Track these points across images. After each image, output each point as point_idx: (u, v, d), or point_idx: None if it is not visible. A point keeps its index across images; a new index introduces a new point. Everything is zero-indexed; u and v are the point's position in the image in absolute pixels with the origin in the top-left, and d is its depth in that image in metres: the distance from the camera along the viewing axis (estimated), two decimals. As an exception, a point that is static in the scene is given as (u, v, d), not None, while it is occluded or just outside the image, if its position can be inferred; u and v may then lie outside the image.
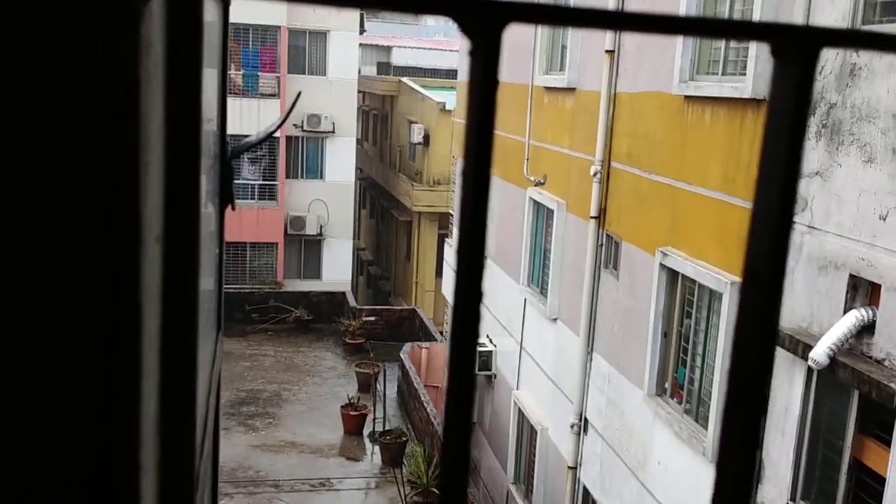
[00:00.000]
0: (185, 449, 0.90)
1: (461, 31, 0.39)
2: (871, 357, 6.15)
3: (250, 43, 25.88)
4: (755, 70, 7.48)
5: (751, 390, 0.46)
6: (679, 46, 8.76)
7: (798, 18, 6.87)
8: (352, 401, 18.27)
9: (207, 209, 1.56)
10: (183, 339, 0.83)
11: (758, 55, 7.46)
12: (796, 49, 0.44)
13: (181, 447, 0.86)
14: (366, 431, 18.02)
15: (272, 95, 25.78)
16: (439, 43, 41.18)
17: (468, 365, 0.42)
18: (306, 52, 26.75)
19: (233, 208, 1.87)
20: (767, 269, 0.45)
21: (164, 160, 0.73)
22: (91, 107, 0.48)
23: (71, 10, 0.46)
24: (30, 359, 0.52)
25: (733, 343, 0.48)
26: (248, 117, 25.15)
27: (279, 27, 25.80)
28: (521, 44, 13.62)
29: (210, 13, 1.47)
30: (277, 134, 25.67)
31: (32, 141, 0.48)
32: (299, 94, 3.58)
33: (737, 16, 8.17)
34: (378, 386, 18.80)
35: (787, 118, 0.44)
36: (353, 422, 17.97)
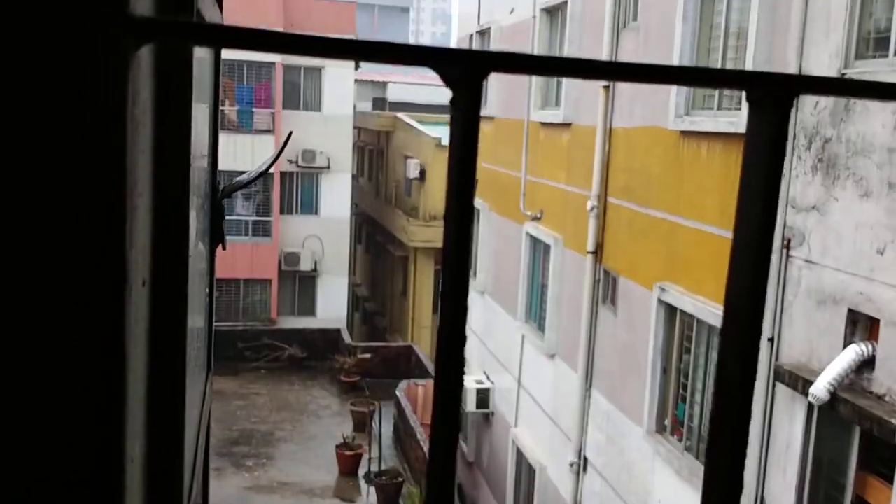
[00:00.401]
0: (174, 491, 0.87)
1: (443, 81, 0.41)
2: (871, 392, 6.08)
3: (245, 79, 26.04)
4: (750, 105, 7.49)
5: (735, 424, 0.47)
6: (673, 82, 8.79)
7: (791, 54, 6.90)
8: (347, 440, 18.06)
9: (198, 248, 1.52)
10: (171, 382, 0.81)
11: (752, 90, 7.49)
12: (771, 97, 0.44)
13: (169, 489, 0.84)
14: (361, 472, 17.79)
15: (267, 131, 25.87)
16: (435, 79, 41.42)
17: (454, 403, 0.43)
18: (301, 88, 26.91)
19: (223, 248, 1.83)
20: (747, 305, 0.46)
21: (153, 204, 0.72)
22: (78, 153, 0.49)
23: (60, 58, 0.48)
24: (13, 397, 0.53)
25: (716, 379, 0.48)
26: (243, 153, 25.21)
27: (274, 63, 25.98)
28: (516, 80, 13.70)
29: (201, 50, 1.44)
30: (272, 170, 25.72)
31: (19, 184, 0.49)
32: (290, 134, 3.59)
33: (731, 52, 8.22)
34: (374, 425, 18.61)
35: (762, 165, 0.45)
36: (348, 462, 17.74)
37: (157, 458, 0.75)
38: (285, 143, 2.94)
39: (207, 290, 1.76)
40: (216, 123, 1.83)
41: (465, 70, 0.39)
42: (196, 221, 1.48)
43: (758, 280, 0.45)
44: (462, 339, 0.42)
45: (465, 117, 0.39)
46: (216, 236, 1.80)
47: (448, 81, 0.40)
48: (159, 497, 0.78)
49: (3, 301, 0.50)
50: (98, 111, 0.48)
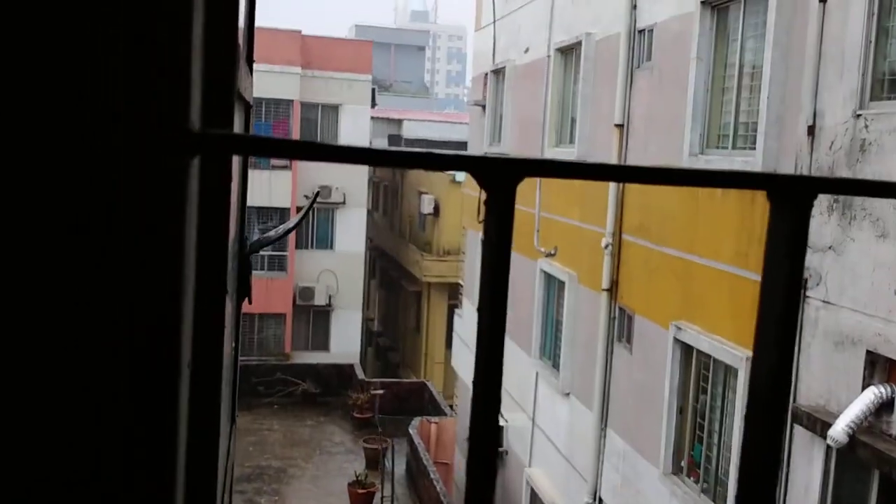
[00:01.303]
0: None
1: (479, 184, 0.43)
2: (890, 435, 6.00)
3: (263, 116, 26.33)
4: (765, 144, 7.51)
5: (763, 480, 0.50)
6: (689, 120, 8.83)
7: (806, 95, 6.91)
8: (359, 478, 17.93)
9: (227, 307, 1.54)
10: (205, 464, 0.84)
11: (767, 131, 7.50)
12: (791, 198, 0.46)
13: None
14: (374, 509, 17.63)
15: (284, 167, 26.09)
16: (449, 116, 41.84)
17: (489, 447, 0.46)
18: (318, 125, 27.17)
19: (249, 302, 1.85)
20: (770, 397, 0.47)
21: (196, 288, 0.75)
22: (141, 254, 0.54)
23: (132, 172, 0.53)
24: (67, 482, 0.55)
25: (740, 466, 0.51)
26: (260, 189, 25.40)
27: (292, 101, 26.27)
28: (531, 117, 13.79)
29: (238, 118, 1.47)
30: (288, 205, 25.89)
31: (91, 270, 0.53)
32: (318, 193, 3.65)
33: (745, 91, 8.25)
34: (386, 462, 18.47)
35: (784, 259, 0.46)
36: (361, 500, 17.59)
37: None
38: (313, 200, 2.98)
39: (234, 344, 1.77)
40: (245, 187, 1.86)
41: (500, 175, 0.42)
42: (227, 283, 1.51)
43: (780, 381, 0.46)
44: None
45: (499, 220, 0.41)
46: (243, 291, 1.82)
47: (483, 185, 0.42)
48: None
49: (64, 383, 0.53)
50: (161, 215, 0.53)
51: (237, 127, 1.40)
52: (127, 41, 0.51)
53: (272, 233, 2.65)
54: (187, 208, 0.54)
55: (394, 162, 0.39)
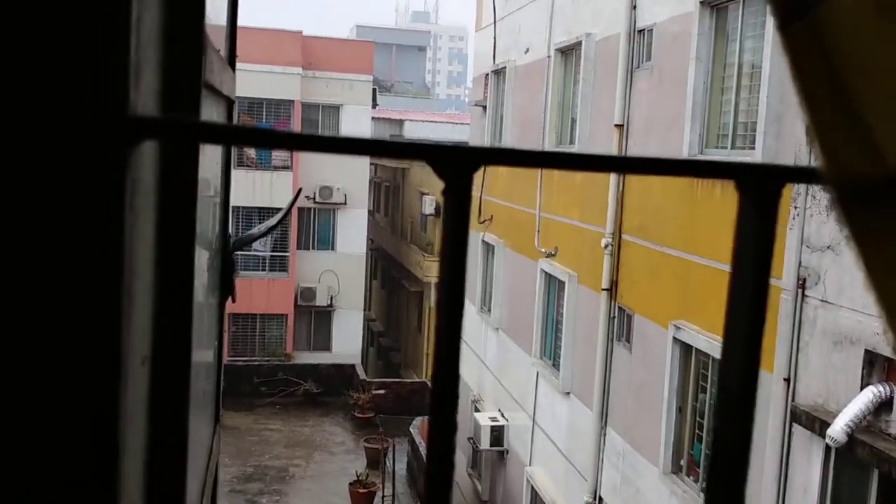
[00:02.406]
0: None
1: (437, 174, 0.43)
2: (889, 434, 6.01)
3: (264, 116, 26.35)
4: (764, 143, 7.52)
5: (736, 446, 0.48)
6: (688, 120, 8.84)
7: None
8: (360, 477, 17.94)
9: (209, 302, 1.55)
10: (171, 467, 0.83)
11: (766, 129, 7.51)
12: (759, 187, 0.46)
13: None
14: (375, 509, 17.64)
15: (285, 168, 26.12)
16: (451, 116, 41.85)
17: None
18: (319, 126, 27.17)
19: (233, 300, 1.86)
20: (739, 397, 0.46)
21: (155, 281, 0.75)
22: (76, 246, 0.52)
23: (58, 151, 0.50)
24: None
25: (710, 462, 0.49)
26: (261, 189, 25.43)
27: (293, 101, 26.29)
28: (531, 117, 13.80)
29: (212, 112, 1.48)
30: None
31: (13, 266, 0.52)
32: (300, 191, 3.66)
33: (744, 91, 8.26)
34: (387, 462, 18.48)
35: (752, 250, 0.46)
36: (362, 499, 17.61)
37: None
38: (295, 197, 2.99)
39: (216, 343, 1.79)
40: (228, 182, 1.87)
41: (457, 164, 0.42)
42: (207, 278, 1.51)
43: (750, 367, 0.46)
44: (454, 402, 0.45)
45: (456, 209, 0.42)
46: (226, 290, 1.83)
47: (441, 174, 0.42)
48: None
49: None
50: (95, 207, 0.51)
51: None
52: (54, 20, 0.50)
53: (255, 230, 2.66)
54: (127, 197, 0.52)
55: (342, 149, 0.40)
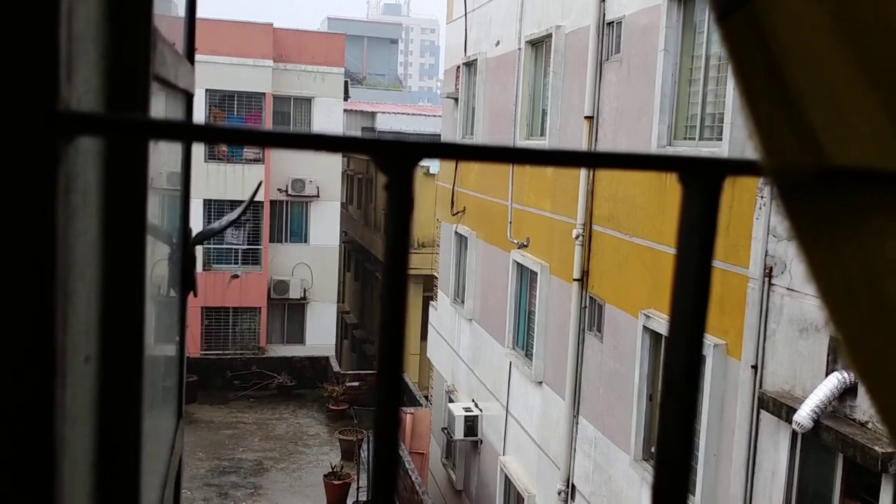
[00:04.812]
0: None
1: (378, 167, 0.43)
2: (854, 420, 6.14)
3: (235, 109, 26.15)
4: (731, 135, 7.62)
5: (681, 423, 0.48)
6: (657, 112, 8.93)
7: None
8: (335, 469, 17.95)
9: (169, 296, 1.56)
10: (124, 465, 0.82)
11: (733, 121, 7.61)
12: (701, 179, 0.47)
13: None
14: (349, 501, 17.66)
15: (256, 160, 25.95)
16: (423, 109, 41.78)
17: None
18: (291, 118, 27.03)
19: (195, 295, 1.87)
20: (682, 378, 0.48)
21: (101, 278, 0.74)
22: (4, 246, 0.50)
23: None
24: None
25: (655, 465, 0.49)
26: (233, 182, 25.26)
27: (264, 94, 26.12)
28: (503, 109, 13.84)
29: (171, 111, 1.49)
30: (262, 198, 25.78)
31: None
32: (260, 184, 3.66)
33: (711, 83, 8.36)
34: (362, 453, 18.51)
35: (695, 241, 0.47)
36: (337, 491, 17.62)
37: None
38: (255, 191, 3.00)
39: (178, 338, 1.80)
40: (188, 174, 1.88)
41: (397, 158, 0.43)
42: (168, 271, 1.52)
43: (692, 356, 0.47)
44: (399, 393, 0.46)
45: (398, 202, 0.43)
46: (188, 284, 1.84)
47: (382, 168, 0.43)
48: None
49: None
50: (22, 202, 0.49)
51: (165, 115, 1.41)
52: None
53: (216, 224, 2.67)
54: (60, 193, 0.50)
55: (288, 144, 0.41)
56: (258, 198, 25.46)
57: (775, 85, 0.42)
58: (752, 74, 0.43)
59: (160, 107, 1.28)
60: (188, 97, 1.78)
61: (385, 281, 0.43)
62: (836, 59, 0.39)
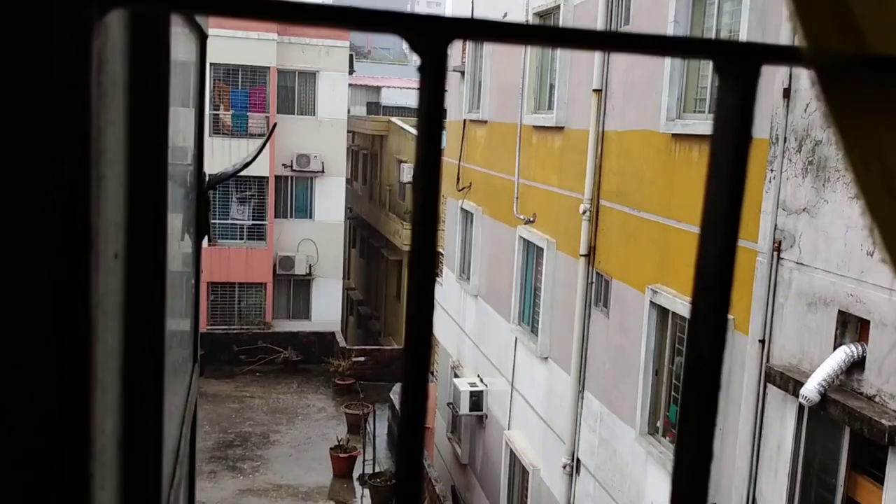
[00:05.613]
0: (150, 470, 0.88)
1: (410, 47, 0.41)
2: (861, 393, 6.12)
3: (240, 83, 26.05)
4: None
5: (705, 397, 0.46)
6: (665, 85, 8.84)
7: (784, 31, 6.92)
8: (341, 443, 18.07)
9: (184, 239, 1.54)
10: (148, 358, 0.81)
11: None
12: (737, 66, 0.45)
13: (145, 468, 0.84)
14: (356, 474, 17.79)
15: (262, 135, 25.87)
16: (428, 84, 41.45)
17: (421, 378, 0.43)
18: (296, 93, 26.92)
19: (209, 241, 1.85)
20: (716, 277, 0.45)
21: (127, 177, 0.73)
22: (37, 119, 0.49)
23: (18, 22, 0.48)
24: None
25: (686, 355, 0.47)
26: (238, 156, 25.18)
27: (268, 68, 25.99)
28: (509, 83, 13.74)
29: (186, 51, 1.46)
30: (266, 173, 25.73)
31: None
32: (275, 126, 3.62)
33: (724, 30, 8.26)
34: (368, 427, 18.61)
35: (731, 133, 0.45)
36: (343, 464, 17.74)
37: (133, 437, 0.76)
38: (270, 132, 2.98)
39: (193, 281, 1.78)
40: (202, 120, 1.85)
41: (432, 36, 0.40)
42: (183, 213, 1.51)
43: (726, 255, 0.45)
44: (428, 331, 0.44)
45: (431, 84, 0.41)
46: (202, 227, 1.82)
47: (415, 47, 0.41)
48: (135, 475, 0.79)
49: None
50: (59, 76, 0.49)
51: (189, 56, 1.38)
52: None
53: (229, 167, 2.65)
54: (97, 77, 0.50)
55: (307, 19, 0.39)
56: (262, 172, 25.42)
57: None
58: None
59: (182, 44, 1.25)
60: (203, 37, 1.76)
61: (416, 172, 0.41)
62: None
